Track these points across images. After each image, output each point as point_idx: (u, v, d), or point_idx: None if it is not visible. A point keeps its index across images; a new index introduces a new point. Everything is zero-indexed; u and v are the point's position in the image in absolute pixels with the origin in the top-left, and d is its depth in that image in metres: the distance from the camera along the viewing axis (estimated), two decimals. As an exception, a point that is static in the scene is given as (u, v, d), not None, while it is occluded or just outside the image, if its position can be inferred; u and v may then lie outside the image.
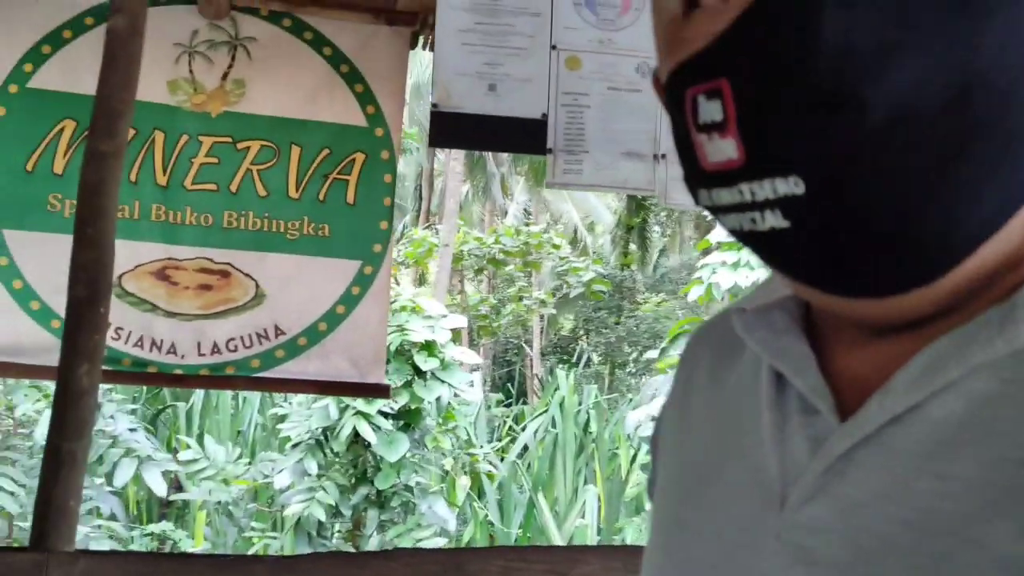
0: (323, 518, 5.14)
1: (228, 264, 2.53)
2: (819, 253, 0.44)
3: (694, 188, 0.49)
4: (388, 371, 5.11)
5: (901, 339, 0.46)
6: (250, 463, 6.38)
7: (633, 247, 20.04)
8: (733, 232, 0.47)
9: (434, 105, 2.09)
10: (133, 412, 7.60)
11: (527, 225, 17.25)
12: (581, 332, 20.95)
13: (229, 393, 8.65)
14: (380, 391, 2.65)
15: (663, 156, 2.14)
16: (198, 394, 8.75)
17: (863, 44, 0.39)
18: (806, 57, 0.40)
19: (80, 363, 1.84)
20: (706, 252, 6.60)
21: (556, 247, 15.91)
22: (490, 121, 2.09)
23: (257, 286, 2.55)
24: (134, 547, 6.74)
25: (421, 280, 16.67)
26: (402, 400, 5.15)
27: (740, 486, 0.51)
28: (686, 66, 0.45)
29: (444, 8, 2.11)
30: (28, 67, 2.44)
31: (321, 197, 2.59)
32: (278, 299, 2.56)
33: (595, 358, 19.35)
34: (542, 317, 19.40)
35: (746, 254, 5.82)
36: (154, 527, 6.63)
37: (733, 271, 5.88)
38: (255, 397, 8.87)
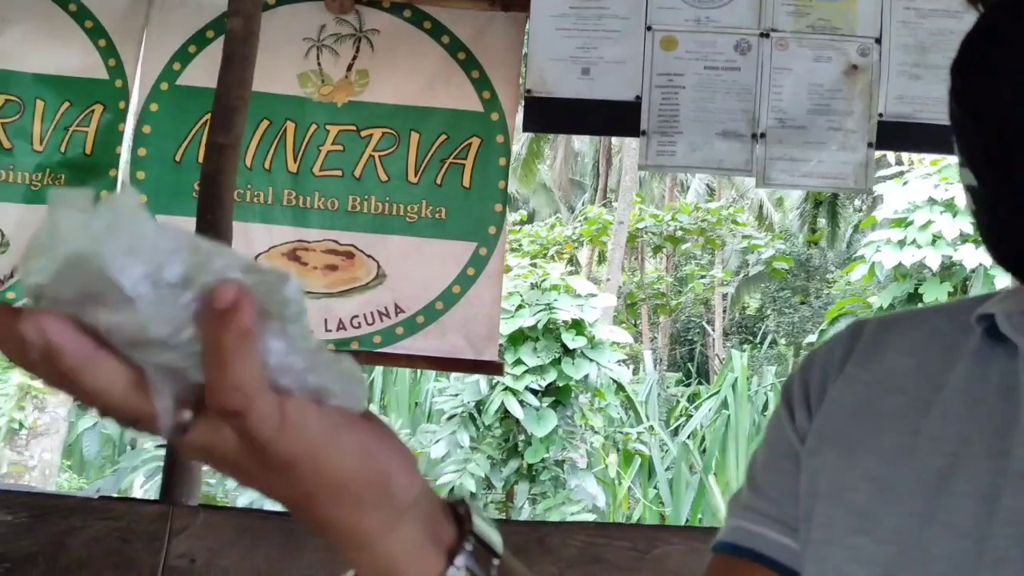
0: (474, 489, 5.33)
1: (352, 246, 2.69)
2: (995, 239, 0.53)
3: None
4: (535, 348, 5.21)
5: None
6: (412, 434, 6.69)
7: (823, 223, 19.12)
8: None
9: (528, 91, 2.13)
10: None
11: (708, 201, 16.86)
12: (768, 312, 20.29)
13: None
14: (494, 368, 2.74)
15: (762, 135, 2.08)
16: (378, 368, 9.25)
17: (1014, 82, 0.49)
18: (978, 82, 0.51)
19: (200, 337, 2.03)
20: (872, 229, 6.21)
21: (737, 224, 15.46)
22: (584, 105, 2.11)
23: (378, 266, 2.69)
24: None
25: (600, 258, 16.69)
26: (550, 377, 5.23)
27: (994, 480, 0.52)
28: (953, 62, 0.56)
29: (539, -7, 2.13)
30: (177, 66, 2.68)
31: (438, 181, 2.69)
32: (398, 279, 2.68)
33: (780, 339, 18.70)
34: (725, 296, 18.94)
35: (913, 232, 5.44)
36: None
37: (898, 249, 5.49)
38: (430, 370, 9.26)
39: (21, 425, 6.52)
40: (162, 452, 5.71)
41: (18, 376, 6.57)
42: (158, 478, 5.67)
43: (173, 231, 0.40)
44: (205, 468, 2.27)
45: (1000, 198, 0.50)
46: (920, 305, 5.77)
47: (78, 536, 2.02)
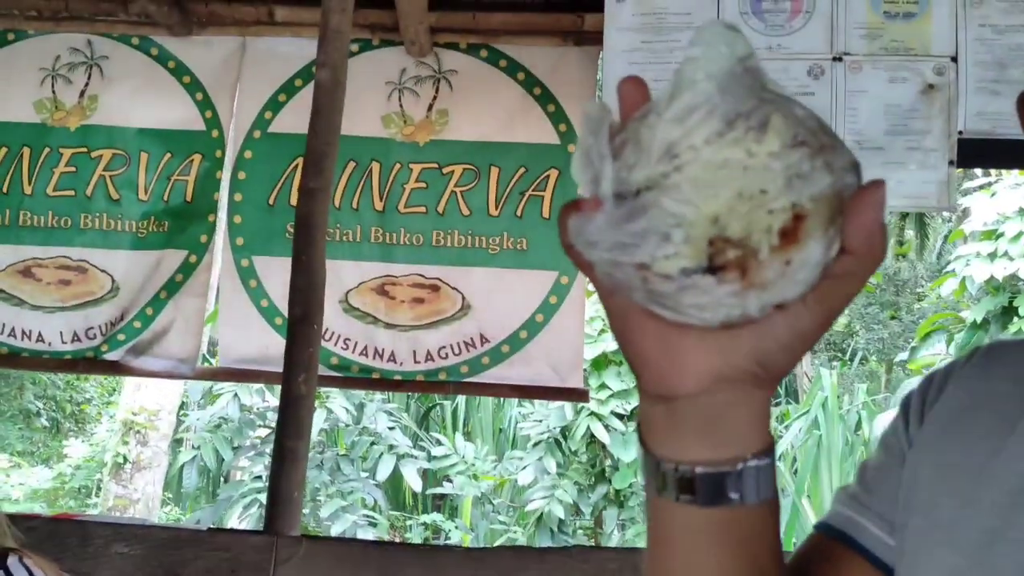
0: (563, 515, 5.35)
1: (438, 279, 2.78)
2: None
3: None
4: (620, 373, 5.22)
5: None
6: (498, 460, 6.75)
7: (910, 234, 18.58)
8: None
9: (604, 124, 2.18)
10: (406, 409, 8.29)
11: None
12: (857, 328, 19.77)
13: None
14: (579, 395, 2.78)
15: (839, 158, 2.08)
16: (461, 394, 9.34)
17: None
18: None
19: (298, 373, 2.14)
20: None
21: (820, 239, 15.14)
22: (659, 135, 2.14)
23: (463, 298, 2.77)
24: (409, 535, 7.38)
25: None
26: (635, 402, 5.23)
27: None
28: None
29: (611, 30, 2.19)
30: (268, 114, 2.82)
31: (519, 213, 2.76)
32: (483, 310, 2.76)
33: (871, 356, 18.20)
34: (810, 313, 18.49)
35: (1004, 244, 5.27)
36: (427, 517, 7.22)
37: (989, 262, 5.34)
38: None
39: (125, 459, 6.82)
40: (258, 484, 5.90)
41: (123, 413, 6.88)
42: (254, 509, 5.86)
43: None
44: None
45: None
46: (1016, 318, 5.58)
47: (190, 566, 2.13)
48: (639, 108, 0.45)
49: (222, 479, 8.02)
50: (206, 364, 6.97)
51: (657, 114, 0.43)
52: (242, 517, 5.90)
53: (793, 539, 9.21)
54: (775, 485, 0.53)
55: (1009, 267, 5.21)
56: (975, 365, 0.65)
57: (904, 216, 18.49)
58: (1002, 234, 5.38)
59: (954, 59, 2.09)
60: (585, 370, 2.81)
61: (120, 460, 6.77)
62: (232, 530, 3.01)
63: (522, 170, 2.76)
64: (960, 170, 2.14)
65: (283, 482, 2.13)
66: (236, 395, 5.96)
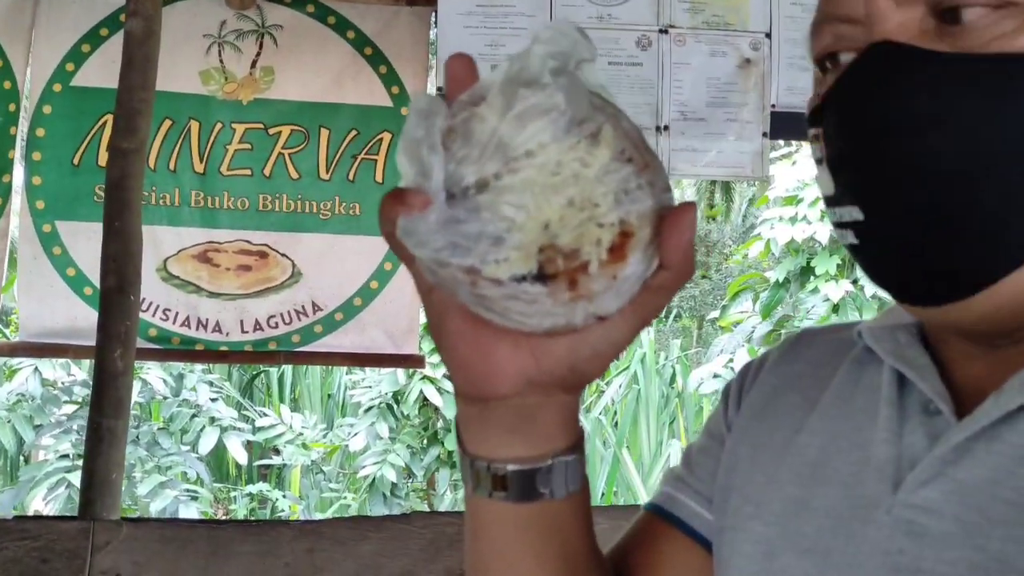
0: (395, 479, 5.34)
1: (265, 245, 2.66)
2: (881, 267, 0.56)
3: None
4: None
5: (1010, 352, 0.54)
6: (328, 428, 6.64)
7: (718, 197, 19.66)
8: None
9: (439, 89, 2.15)
10: (228, 379, 7.97)
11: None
12: (670, 287, 20.71)
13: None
14: (415, 361, 2.76)
15: (666, 128, 2.15)
16: (286, 359, 9.05)
17: (898, 119, 0.51)
18: (861, 126, 0.53)
19: (114, 348, 2.00)
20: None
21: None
22: (493, 100, 2.14)
23: (294, 265, 2.68)
24: (234, 507, 7.15)
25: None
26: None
27: (854, 470, 0.58)
28: (810, 114, 0.59)
29: (445, -9, 2.15)
30: (70, 66, 2.59)
31: (351, 177, 2.68)
32: (314, 277, 2.68)
33: (684, 313, 19.21)
34: (629, 273, 19.22)
35: (803, 209, 5.70)
36: (252, 488, 7.01)
37: (791, 226, 5.77)
38: (340, 361, 9.12)
39: (-89, 442, 6.19)
40: (65, 463, 5.50)
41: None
42: (61, 490, 5.47)
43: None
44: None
45: (890, 229, 0.53)
46: (812, 277, 6.05)
47: (-6, 558, 1.97)
48: (466, 89, 0.44)
49: (22, 460, 7.45)
50: (1, 338, 6.43)
51: (490, 106, 0.42)
52: (47, 499, 5.50)
53: (614, 488, 9.65)
54: (583, 478, 0.56)
55: (807, 230, 5.67)
56: (784, 352, 0.71)
57: (713, 182, 19.55)
58: (802, 199, 5.83)
59: (768, 35, 2.20)
60: (420, 335, 2.81)
61: (-96, 444, 6.14)
62: (42, 516, 2.80)
63: (353, 132, 2.68)
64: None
65: (100, 464, 2.00)
66: (37, 369, 5.52)
